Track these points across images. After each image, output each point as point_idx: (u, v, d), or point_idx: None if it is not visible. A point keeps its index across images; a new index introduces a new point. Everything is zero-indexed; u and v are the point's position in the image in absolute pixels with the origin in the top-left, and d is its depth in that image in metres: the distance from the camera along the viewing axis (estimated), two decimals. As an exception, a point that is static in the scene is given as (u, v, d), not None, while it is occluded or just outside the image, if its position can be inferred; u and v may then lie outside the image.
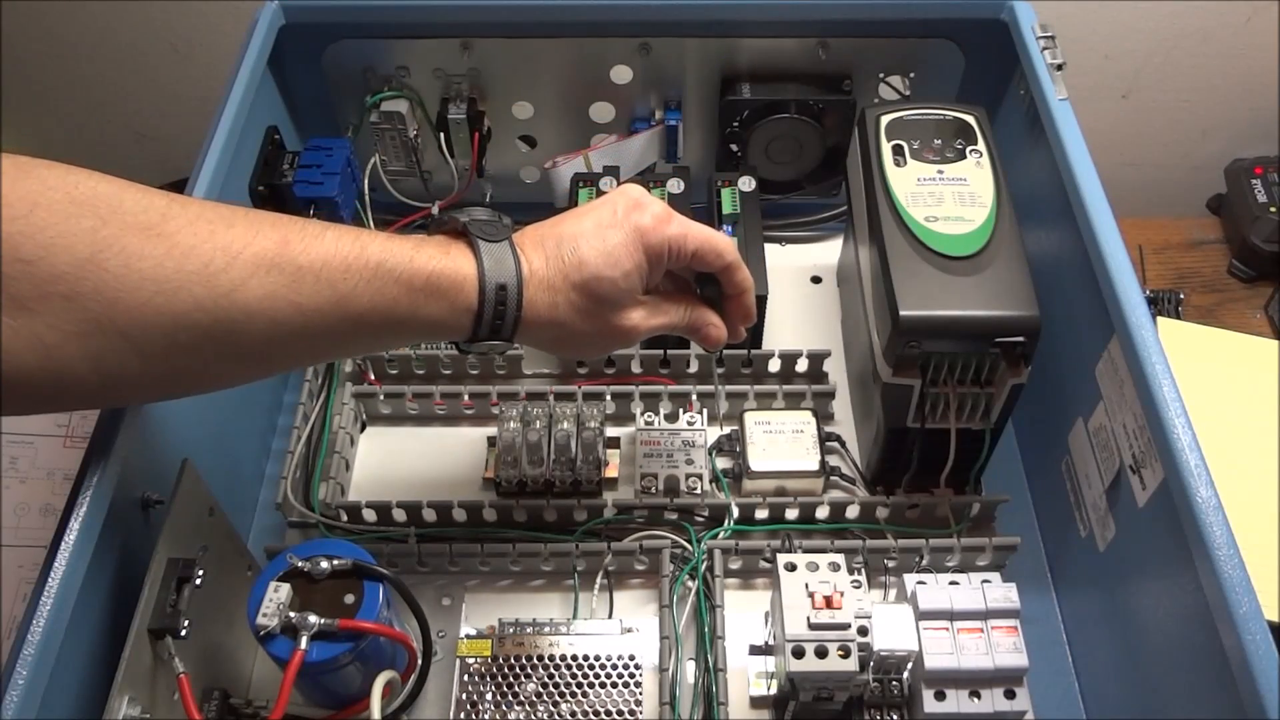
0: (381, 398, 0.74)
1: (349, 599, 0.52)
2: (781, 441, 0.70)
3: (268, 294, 0.44)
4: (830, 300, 0.83)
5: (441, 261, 0.48)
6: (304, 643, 0.50)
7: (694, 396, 0.73)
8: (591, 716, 0.60)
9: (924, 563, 0.65)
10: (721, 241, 0.54)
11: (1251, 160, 0.98)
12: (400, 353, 0.75)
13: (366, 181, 0.78)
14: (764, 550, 0.65)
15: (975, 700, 0.56)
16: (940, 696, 0.56)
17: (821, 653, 0.55)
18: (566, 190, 0.78)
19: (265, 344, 0.46)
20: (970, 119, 0.66)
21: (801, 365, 0.75)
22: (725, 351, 0.74)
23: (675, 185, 0.77)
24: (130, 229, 0.42)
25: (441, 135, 0.80)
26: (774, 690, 0.61)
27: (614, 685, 0.61)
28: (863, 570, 0.61)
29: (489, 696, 0.60)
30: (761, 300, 0.72)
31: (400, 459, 0.74)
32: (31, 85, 1.08)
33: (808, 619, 0.56)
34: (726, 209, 0.75)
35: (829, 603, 0.56)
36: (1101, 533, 0.61)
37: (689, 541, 0.65)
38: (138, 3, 1.01)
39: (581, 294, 0.51)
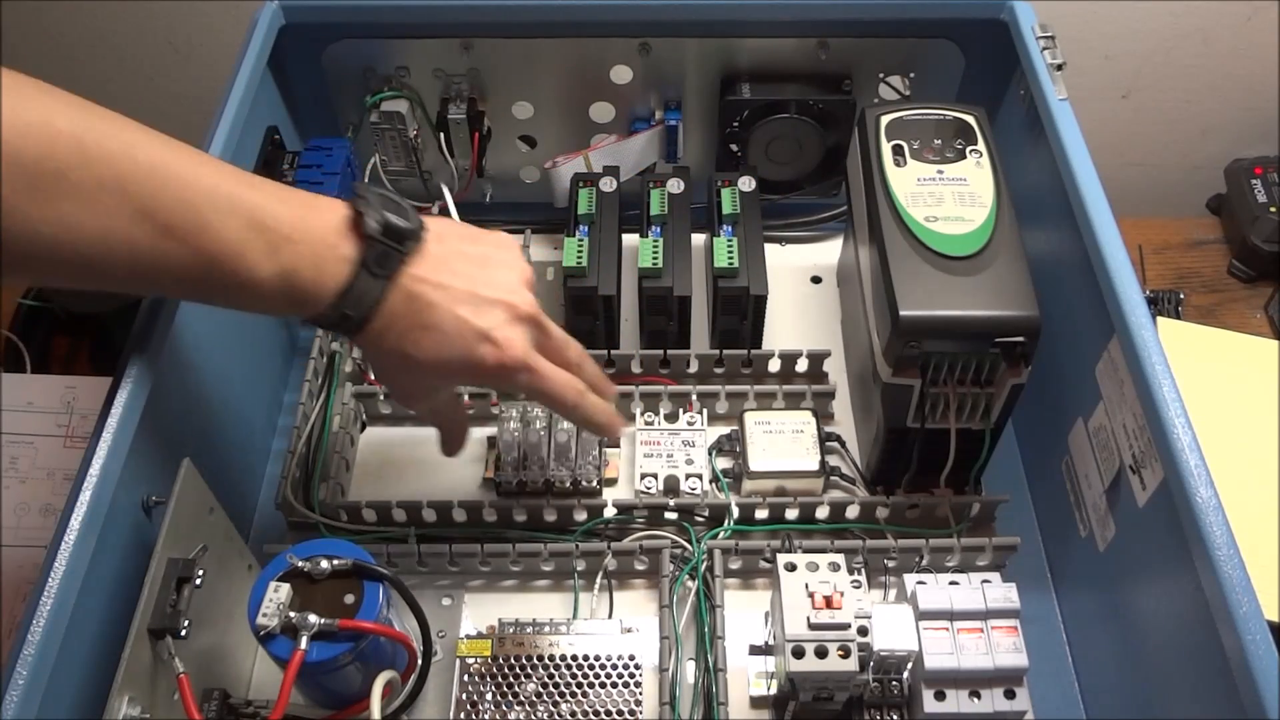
0: (381, 398, 0.74)
1: (349, 599, 0.52)
2: (781, 441, 0.70)
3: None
4: (830, 300, 0.83)
5: (308, 274, 0.48)
6: (304, 643, 0.50)
7: (694, 396, 0.73)
8: (591, 716, 0.60)
9: (924, 563, 0.65)
10: (566, 397, 0.55)
11: (1251, 160, 0.98)
12: (400, 353, 0.75)
13: (366, 182, 0.78)
14: (764, 550, 0.65)
15: (975, 700, 0.56)
16: (940, 696, 0.56)
17: (821, 653, 0.55)
18: (566, 190, 0.78)
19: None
20: (970, 119, 0.66)
21: (801, 365, 0.75)
22: (725, 351, 0.74)
23: (675, 185, 0.77)
24: None
25: (441, 135, 0.80)
26: (774, 690, 0.61)
27: (614, 685, 0.60)
28: (863, 570, 0.61)
29: (489, 696, 0.60)
30: (761, 300, 0.72)
31: (400, 459, 0.73)
32: (31, 85, 1.08)
33: (808, 619, 0.56)
34: (726, 209, 0.75)
35: (829, 603, 0.56)
36: (1101, 533, 0.61)
37: (689, 541, 0.65)
38: (138, 3, 1.01)
39: (396, 358, 0.52)
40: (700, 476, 0.69)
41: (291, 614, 0.50)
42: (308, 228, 0.48)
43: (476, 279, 0.53)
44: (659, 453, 0.70)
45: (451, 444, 0.63)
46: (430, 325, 0.51)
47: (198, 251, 0.46)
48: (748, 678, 0.62)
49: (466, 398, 0.73)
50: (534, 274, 0.56)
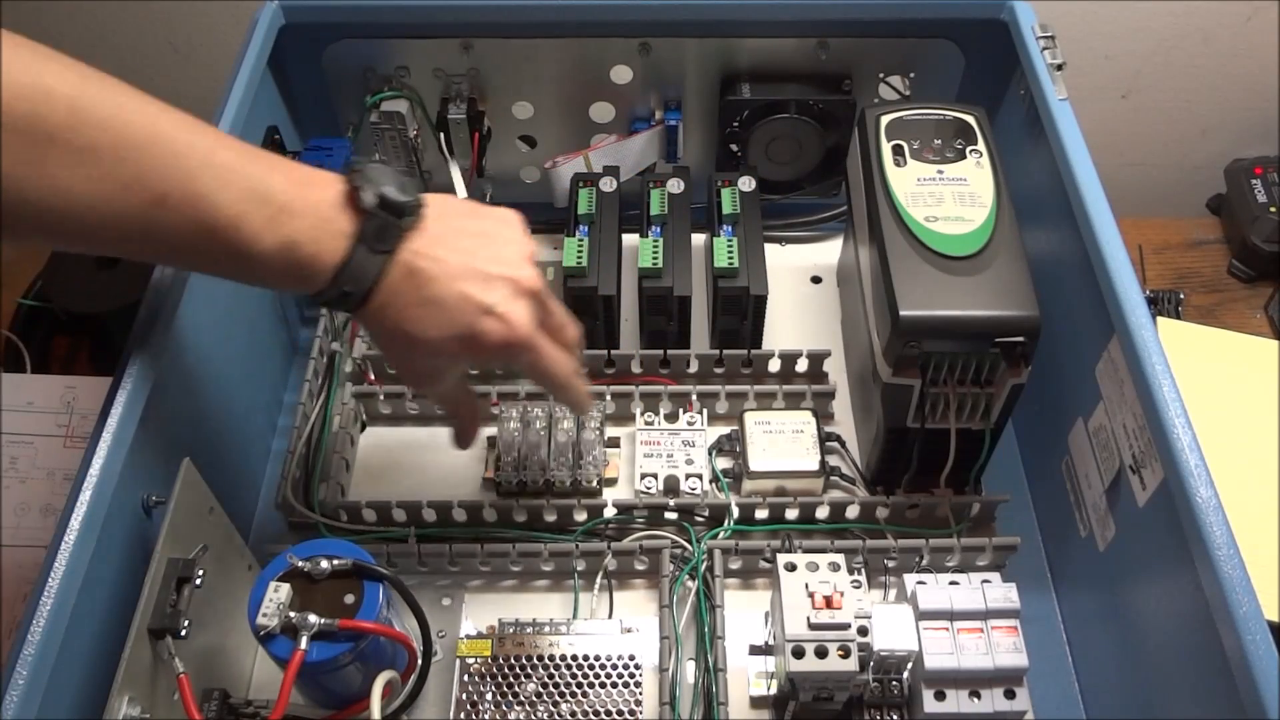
0: (381, 398, 0.74)
1: (349, 599, 0.52)
2: (781, 441, 0.70)
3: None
4: (830, 300, 0.83)
5: (308, 249, 0.47)
6: (304, 643, 0.50)
7: (694, 396, 0.73)
8: (591, 716, 0.60)
9: (924, 563, 0.65)
10: (559, 377, 0.55)
11: (1251, 160, 0.98)
12: (400, 353, 0.75)
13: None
14: (764, 550, 0.65)
15: (975, 700, 0.56)
16: (940, 696, 0.56)
17: (821, 653, 0.55)
18: (566, 190, 0.78)
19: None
20: (970, 119, 0.66)
21: (801, 365, 0.75)
22: (725, 351, 0.74)
23: (675, 185, 0.77)
24: None
25: (441, 135, 0.80)
26: (774, 690, 0.61)
27: (614, 685, 0.60)
28: (863, 570, 0.61)
29: (489, 696, 0.60)
30: (761, 300, 0.72)
31: (400, 459, 0.73)
32: (31, 85, 1.08)
33: (808, 619, 0.56)
34: (726, 209, 0.75)
35: (829, 603, 0.56)
36: (1101, 533, 0.61)
37: (689, 541, 0.65)
38: (138, 3, 1.01)
39: (399, 335, 0.51)
40: (700, 476, 0.69)
41: (291, 614, 0.50)
42: (306, 200, 0.47)
43: (479, 254, 0.51)
44: (659, 453, 0.70)
45: (465, 433, 0.62)
46: (431, 301, 0.50)
47: (193, 221, 0.45)
48: (748, 678, 0.62)
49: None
50: (537, 249, 0.55)
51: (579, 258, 0.71)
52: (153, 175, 0.44)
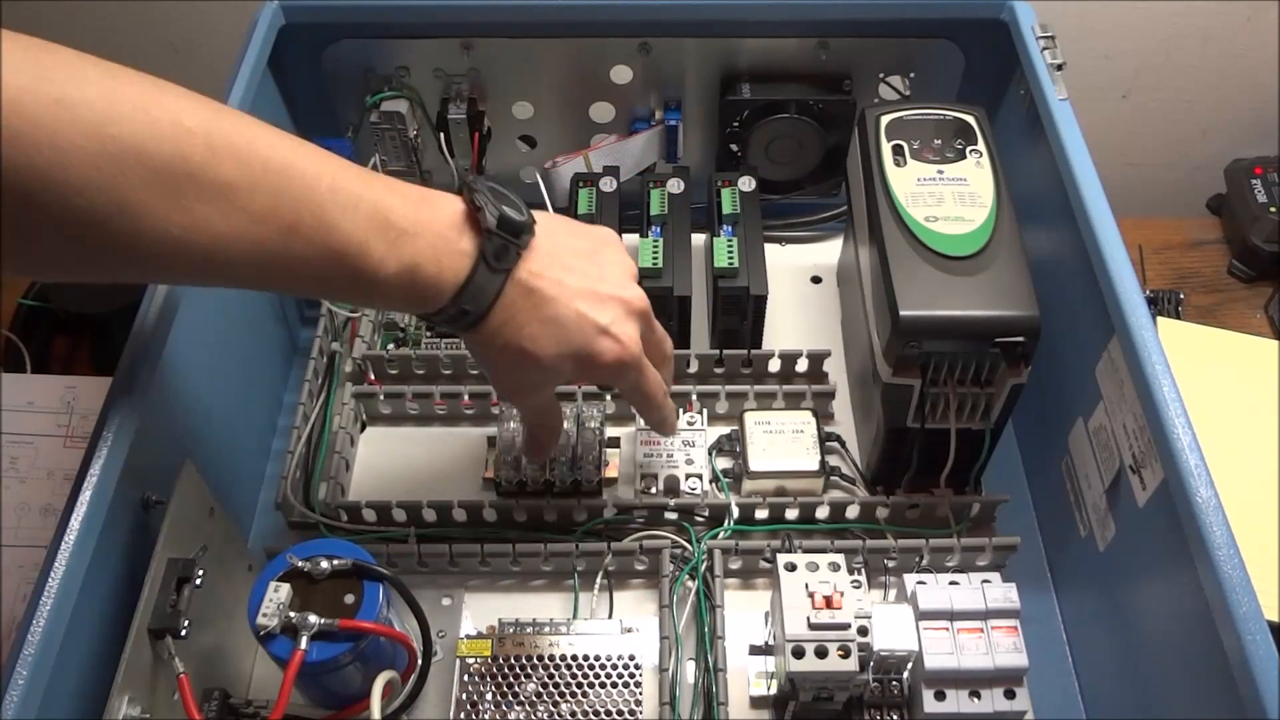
0: (381, 398, 0.74)
1: (349, 599, 0.52)
2: (781, 441, 0.70)
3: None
4: (830, 300, 0.83)
5: (429, 270, 0.48)
6: (304, 643, 0.50)
7: (694, 396, 0.73)
8: (591, 716, 0.60)
9: (924, 563, 0.65)
10: (656, 397, 0.58)
11: (1251, 160, 0.98)
12: (400, 352, 0.75)
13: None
14: (764, 550, 0.65)
15: (975, 700, 0.56)
16: (940, 696, 0.56)
17: (821, 653, 0.55)
18: (566, 190, 0.78)
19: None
20: (970, 119, 0.66)
21: (801, 365, 0.75)
22: (725, 351, 0.74)
23: (675, 185, 0.77)
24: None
25: (441, 135, 0.80)
26: (774, 690, 0.61)
27: (614, 685, 0.60)
28: (863, 570, 0.61)
29: (489, 696, 0.60)
30: (761, 300, 0.72)
31: (400, 459, 0.74)
32: (31, 85, 1.08)
33: (808, 619, 0.56)
34: (726, 209, 0.75)
35: (829, 603, 0.56)
36: (1101, 533, 0.61)
37: (689, 541, 0.65)
38: (138, 3, 1.01)
39: (512, 353, 0.52)
40: (700, 476, 0.69)
41: (291, 614, 0.50)
42: (425, 221, 0.48)
43: (590, 274, 0.53)
44: (659, 453, 0.70)
45: (543, 445, 0.63)
46: (550, 319, 0.51)
47: (324, 249, 0.45)
48: (748, 678, 0.62)
49: (466, 398, 0.73)
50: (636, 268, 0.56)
51: (579, 258, 0.71)
52: (285, 206, 0.44)
